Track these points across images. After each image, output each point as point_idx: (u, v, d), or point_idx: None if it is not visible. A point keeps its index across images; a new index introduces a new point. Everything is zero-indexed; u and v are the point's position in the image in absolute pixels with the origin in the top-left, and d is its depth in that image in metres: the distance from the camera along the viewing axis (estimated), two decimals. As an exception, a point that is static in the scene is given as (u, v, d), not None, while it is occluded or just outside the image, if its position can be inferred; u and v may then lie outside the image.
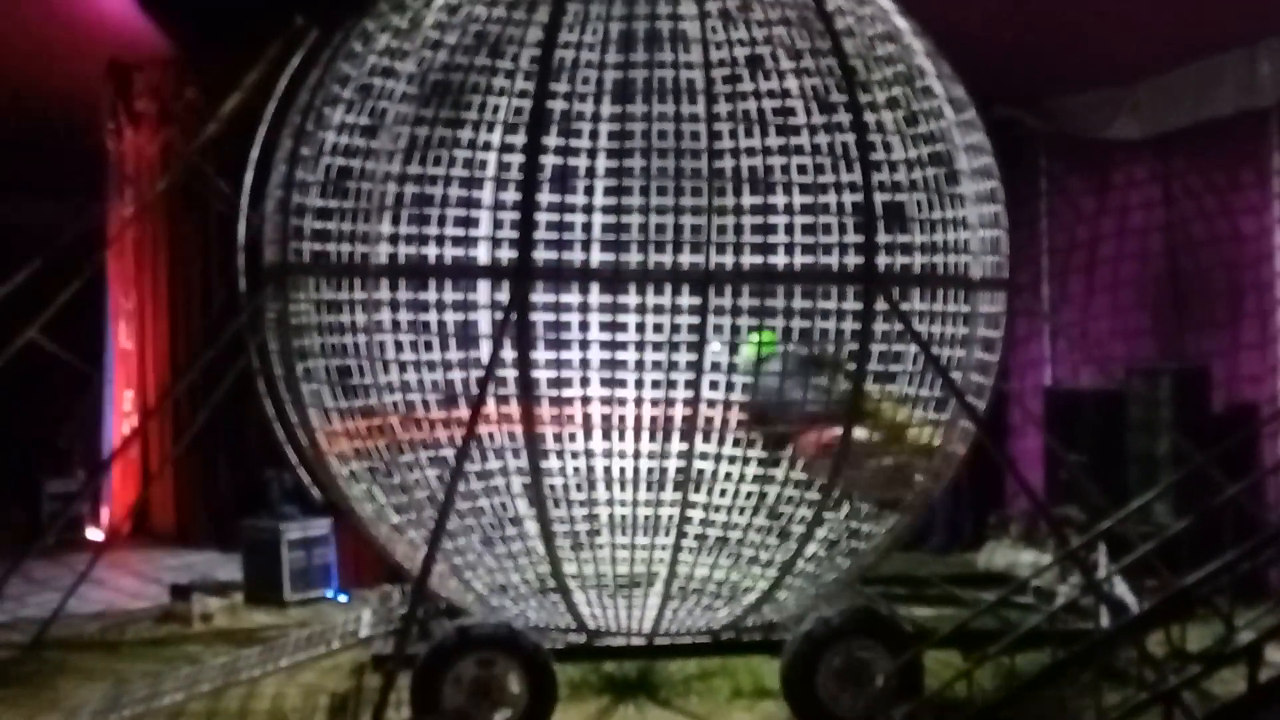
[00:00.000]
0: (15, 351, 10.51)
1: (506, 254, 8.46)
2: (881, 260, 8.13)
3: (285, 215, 8.49)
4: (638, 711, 8.58)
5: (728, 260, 8.84)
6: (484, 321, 9.20)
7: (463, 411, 8.56)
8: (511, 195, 8.58)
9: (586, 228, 9.57)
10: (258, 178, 9.98)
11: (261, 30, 11.12)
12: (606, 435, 9.38)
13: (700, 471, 9.03)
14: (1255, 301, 11.57)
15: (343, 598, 11.63)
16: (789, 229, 8.92)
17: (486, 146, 9.14)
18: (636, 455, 9.25)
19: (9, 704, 8.80)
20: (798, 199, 8.82)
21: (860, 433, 8.13)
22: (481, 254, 9.14)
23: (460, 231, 9.04)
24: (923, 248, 8.42)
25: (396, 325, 8.86)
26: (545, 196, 8.67)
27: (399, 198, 8.65)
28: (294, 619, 11.05)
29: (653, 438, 9.22)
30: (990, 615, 8.45)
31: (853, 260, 8.27)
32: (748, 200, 9.14)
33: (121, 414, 15.02)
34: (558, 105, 9.01)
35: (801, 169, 8.75)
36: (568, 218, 8.93)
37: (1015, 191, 9.50)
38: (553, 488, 8.90)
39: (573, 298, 9.25)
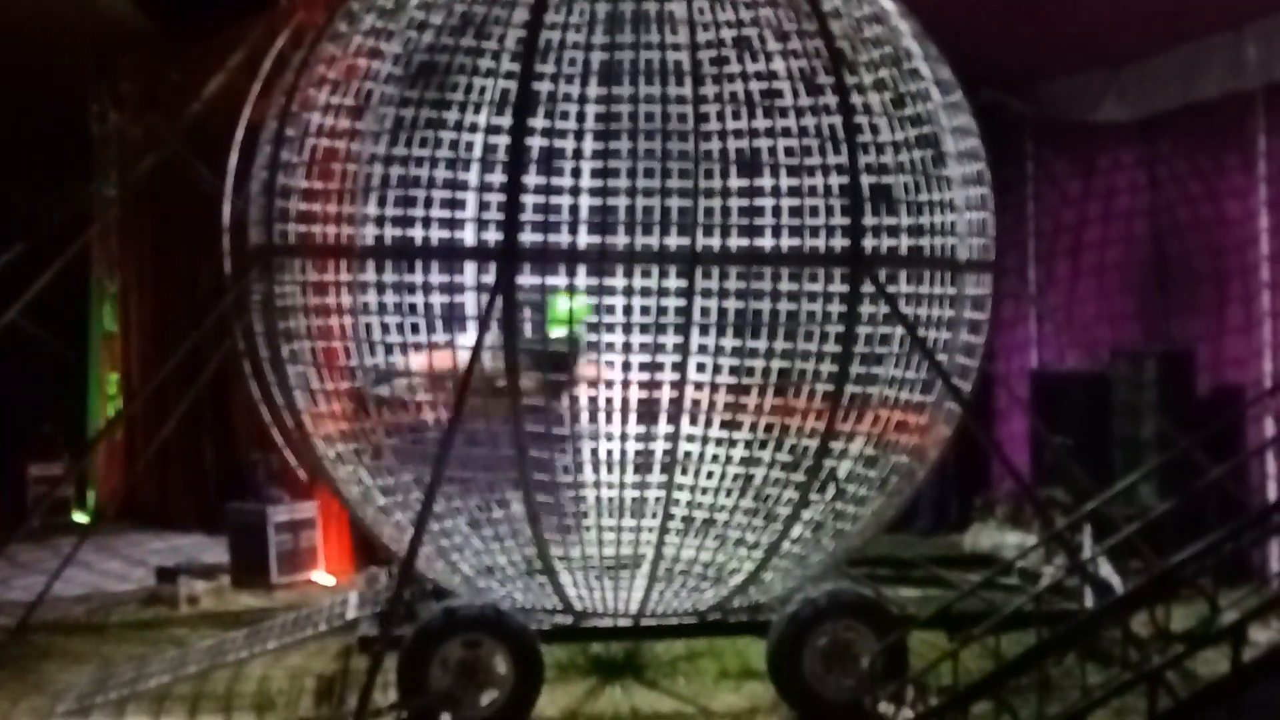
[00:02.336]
0: (0, 334, 10.47)
1: (493, 236, 8.44)
2: (868, 242, 8.14)
3: (270, 197, 8.46)
4: (624, 693, 8.60)
5: (714, 242, 8.83)
6: (470, 303, 9.17)
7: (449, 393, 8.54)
8: (497, 177, 8.55)
9: (573, 210, 9.55)
10: (243, 159, 9.94)
11: (246, 12, 11.08)
12: (593, 418, 9.37)
13: (686, 453, 9.03)
14: (1240, 285, 11.59)
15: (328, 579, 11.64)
16: (776, 211, 8.89)
17: (472, 128, 9.11)
18: (623, 437, 9.25)
19: (-5, 687, 8.81)
20: (784, 181, 8.81)
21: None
22: (468, 236, 9.12)
23: (446, 213, 9.01)
24: (909, 230, 8.42)
25: (383, 307, 8.84)
26: (531, 178, 8.66)
27: (384, 179, 8.63)
28: (280, 601, 11.05)
29: (639, 420, 9.21)
30: (976, 596, 8.47)
31: (839, 242, 8.28)
32: (734, 182, 9.13)
33: (106, 397, 14.97)
34: (544, 87, 8.99)
35: (788, 151, 8.74)
36: (554, 200, 8.90)
37: (1002, 174, 9.51)
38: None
39: (559, 280, 9.23)
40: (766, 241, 8.91)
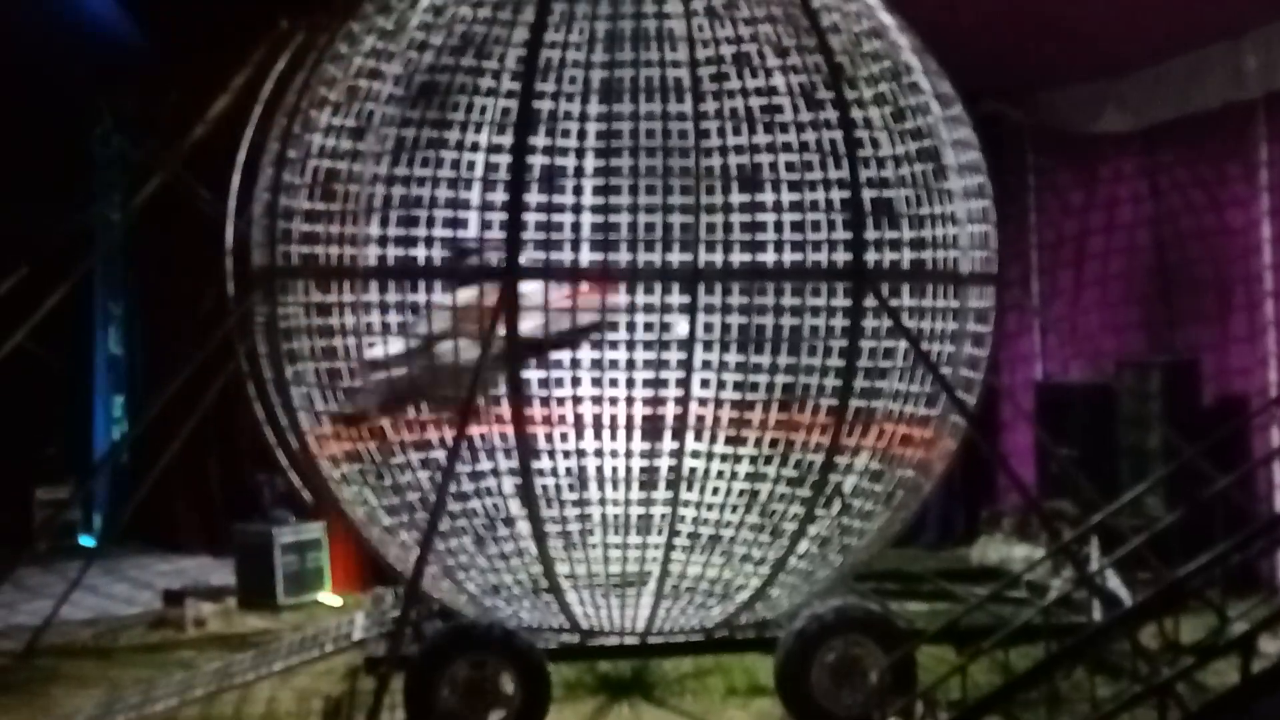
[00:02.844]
0: (4, 357, 10.47)
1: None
2: (870, 256, 8.15)
3: (273, 218, 8.48)
4: (632, 711, 8.58)
5: (716, 258, 8.83)
6: (474, 323, 9.17)
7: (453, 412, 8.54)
8: (499, 196, 8.57)
9: (575, 227, 9.56)
10: (245, 181, 9.96)
11: (247, 33, 11.09)
12: (597, 434, 9.36)
13: (692, 470, 9.02)
14: (1244, 294, 11.58)
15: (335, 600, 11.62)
16: (777, 226, 8.90)
17: (474, 147, 9.13)
18: (628, 454, 9.24)
19: (2, 711, 8.78)
20: (786, 196, 8.81)
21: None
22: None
23: (449, 233, 9.02)
24: (911, 243, 8.43)
25: (386, 327, 8.84)
26: (533, 197, 8.67)
27: (387, 199, 8.64)
28: (287, 623, 11.03)
29: (644, 437, 9.21)
30: (983, 610, 8.45)
31: (841, 257, 8.29)
32: (736, 198, 9.14)
33: (111, 420, 14.97)
34: (544, 105, 9.00)
35: (789, 166, 8.75)
36: (556, 218, 8.91)
37: (1003, 186, 9.53)
38: (545, 488, 8.90)
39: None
40: (769, 257, 8.92)
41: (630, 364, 9.26)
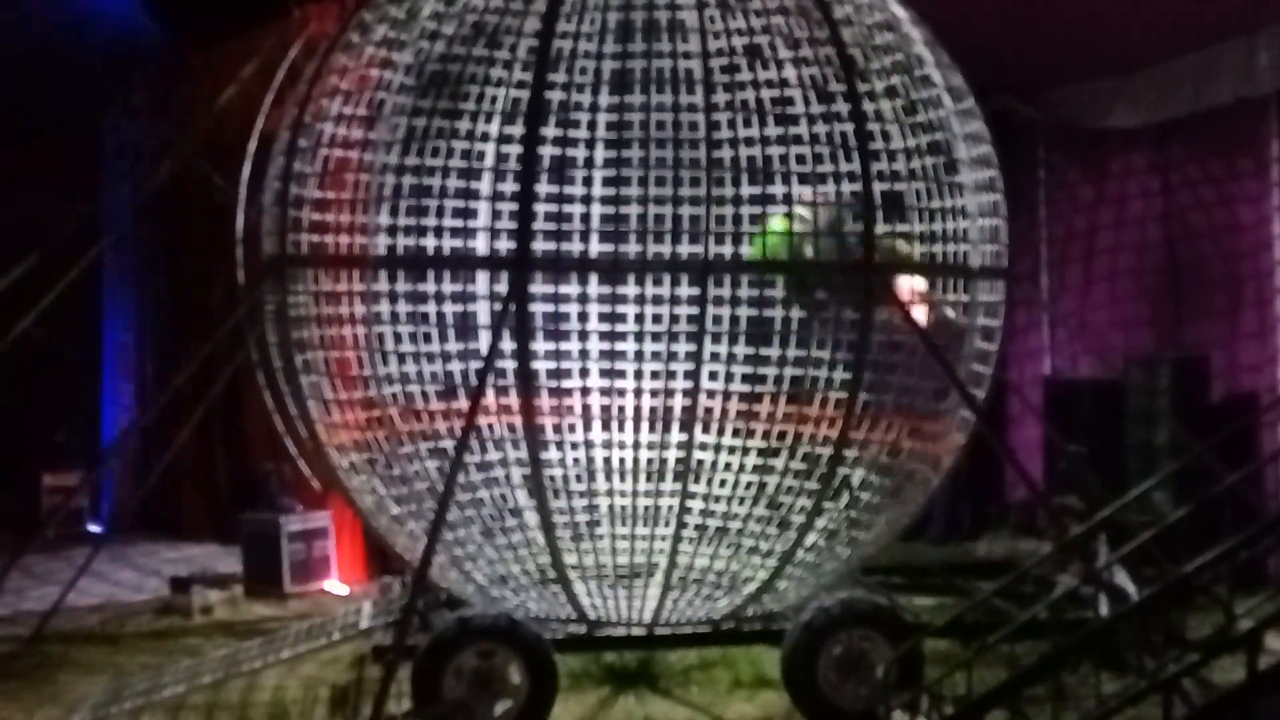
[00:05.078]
0: (13, 344, 10.50)
1: (505, 245, 8.45)
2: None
3: (283, 207, 8.48)
4: (638, 702, 8.59)
5: (727, 250, 8.83)
6: (483, 312, 9.17)
7: (462, 403, 8.55)
8: (510, 186, 8.57)
9: (585, 218, 9.55)
10: (256, 169, 9.98)
11: (259, 22, 11.11)
12: (606, 426, 9.38)
13: (700, 462, 9.02)
14: (1254, 290, 11.57)
15: (342, 588, 11.65)
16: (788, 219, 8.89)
17: (484, 137, 9.13)
18: (636, 446, 9.25)
19: (9, 697, 8.81)
20: (796, 189, 8.81)
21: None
22: (480, 245, 9.13)
23: (459, 222, 9.03)
24: (921, 237, 8.42)
25: (395, 317, 8.86)
26: (543, 187, 8.67)
27: (397, 189, 8.65)
28: (294, 611, 11.06)
29: (652, 428, 9.21)
30: (990, 605, 8.46)
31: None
32: (746, 190, 9.14)
33: (120, 407, 15.01)
34: (555, 95, 9.00)
35: (800, 158, 8.74)
36: (566, 208, 8.92)
37: (1014, 181, 9.49)
38: (552, 478, 8.89)
39: (572, 288, 9.24)
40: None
41: (639, 355, 9.27)
